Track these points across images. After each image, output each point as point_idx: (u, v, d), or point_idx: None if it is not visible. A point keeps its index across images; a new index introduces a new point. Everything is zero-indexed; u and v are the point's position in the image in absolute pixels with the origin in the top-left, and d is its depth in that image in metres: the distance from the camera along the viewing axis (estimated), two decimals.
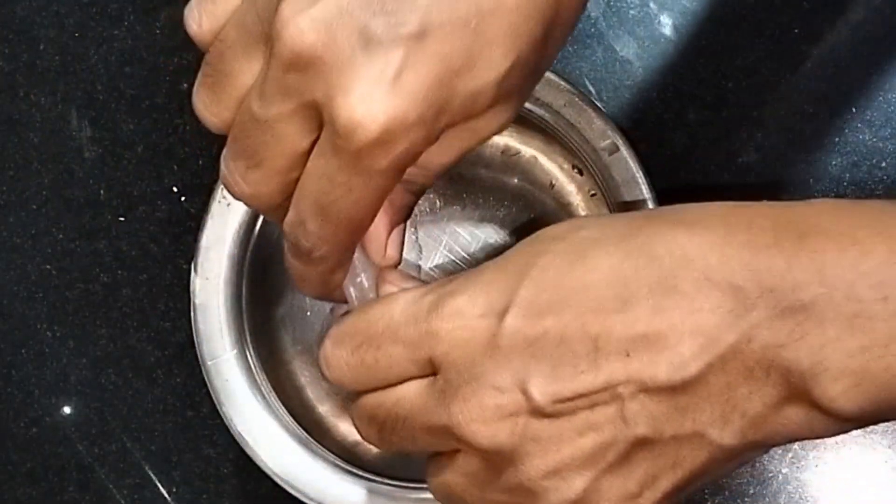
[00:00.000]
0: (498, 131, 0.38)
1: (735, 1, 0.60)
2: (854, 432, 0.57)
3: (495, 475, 0.36)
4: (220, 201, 0.54)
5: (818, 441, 0.57)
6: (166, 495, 0.60)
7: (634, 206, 0.53)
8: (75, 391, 0.61)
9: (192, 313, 0.54)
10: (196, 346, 0.54)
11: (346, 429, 0.57)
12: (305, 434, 0.54)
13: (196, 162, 0.63)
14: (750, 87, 0.60)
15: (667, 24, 0.61)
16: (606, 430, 0.35)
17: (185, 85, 0.63)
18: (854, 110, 0.59)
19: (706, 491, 0.58)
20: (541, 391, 0.34)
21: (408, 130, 0.34)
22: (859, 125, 0.59)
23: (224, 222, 0.54)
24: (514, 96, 0.37)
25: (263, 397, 0.54)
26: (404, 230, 0.42)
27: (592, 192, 0.57)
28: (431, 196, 0.59)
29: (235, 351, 0.54)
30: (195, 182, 0.62)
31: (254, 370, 0.54)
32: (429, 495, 0.51)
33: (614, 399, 0.34)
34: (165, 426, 0.61)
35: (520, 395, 0.35)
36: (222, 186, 0.54)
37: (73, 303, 0.62)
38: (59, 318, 0.62)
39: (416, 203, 0.42)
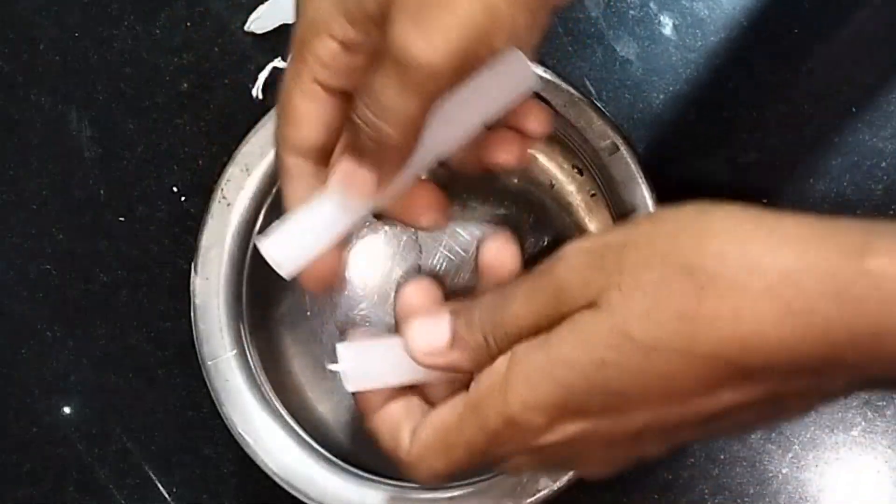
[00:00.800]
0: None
1: (735, 1, 0.60)
2: (854, 432, 0.57)
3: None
4: (219, 201, 0.54)
5: (818, 441, 0.57)
6: (166, 495, 0.60)
7: (634, 206, 0.53)
8: (75, 391, 0.61)
9: (192, 313, 0.54)
10: (196, 346, 0.54)
11: (346, 428, 0.57)
12: (305, 434, 0.54)
13: (196, 162, 0.63)
14: (750, 87, 0.60)
15: (667, 24, 0.61)
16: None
17: (185, 85, 0.63)
18: (854, 110, 0.59)
19: (706, 491, 0.58)
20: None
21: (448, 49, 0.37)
22: (859, 125, 0.59)
23: (224, 222, 0.54)
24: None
25: (263, 397, 0.54)
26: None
27: (592, 192, 0.57)
28: None
29: (235, 351, 0.54)
30: (195, 182, 0.62)
31: (254, 371, 0.54)
32: (428, 495, 0.51)
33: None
34: (165, 426, 0.61)
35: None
36: (222, 187, 0.54)
37: (73, 303, 0.62)
38: (59, 318, 0.62)
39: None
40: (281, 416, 0.54)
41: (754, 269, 0.34)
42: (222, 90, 0.63)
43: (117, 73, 0.64)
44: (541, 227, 0.58)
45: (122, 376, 0.61)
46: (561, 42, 0.61)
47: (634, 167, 0.53)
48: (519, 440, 0.39)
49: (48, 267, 0.63)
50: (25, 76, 0.64)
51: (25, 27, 0.64)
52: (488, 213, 0.58)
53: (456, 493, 0.51)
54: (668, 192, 0.58)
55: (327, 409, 0.58)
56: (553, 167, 0.58)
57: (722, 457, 0.58)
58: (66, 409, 0.62)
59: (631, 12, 0.61)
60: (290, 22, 0.59)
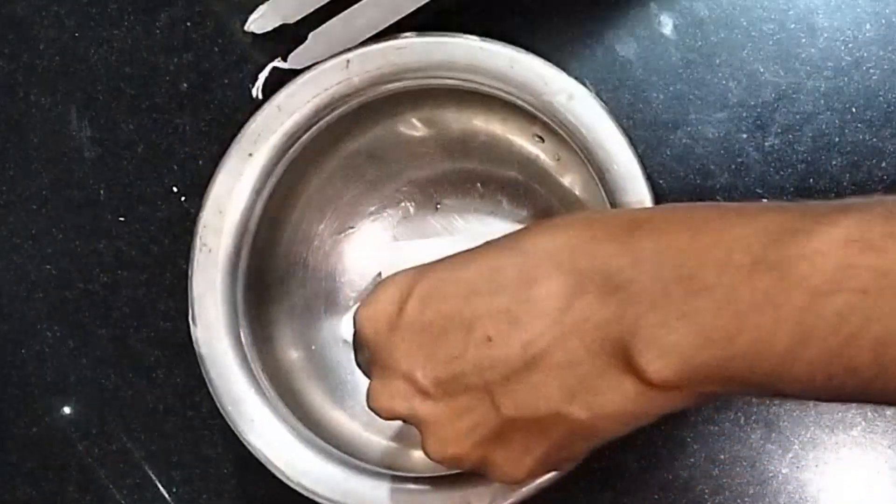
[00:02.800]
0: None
1: (735, 1, 0.60)
2: (854, 432, 0.57)
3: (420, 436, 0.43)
4: (200, 249, 0.54)
5: (818, 441, 0.57)
6: (166, 495, 0.60)
7: (605, 149, 0.52)
8: (75, 391, 0.61)
9: (200, 365, 0.53)
10: (212, 392, 0.53)
11: (346, 428, 0.57)
12: (312, 434, 0.53)
13: (196, 162, 0.63)
14: (749, 87, 0.60)
15: (667, 24, 0.61)
16: (478, 412, 0.40)
17: (185, 85, 0.63)
18: (854, 110, 0.59)
19: (706, 491, 0.58)
20: (423, 374, 0.41)
21: None
22: (859, 125, 0.59)
23: (210, 268, 0.54)
24: None
25: (266, 398, 0.54)
26: None
27: (557, 156, 0.57)
28: (431, 197, 0.60)
29: (252, 390, 0.53)
30: (195, 182, 0.62)
31: (255, 372, 0.54)
32: (429, 487, 0.51)
33: (483, 383, 0.40)
34: (165, 426, 0.61)
35: (409, 380, 0.41)
36: (200, 234, 0.54)
37: (73, 303, 0.62)
38: (59, 318, 0.62)
39: None
40: (286, 416, 0.54)
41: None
42: (222, 90, 0.63)
43: (117, 73, 0.64)
44: (517, 204, 0.58)
45: (122, 376, 0.61)
46: (561, 42, 0.61)
47: (594, 107, 0.53)
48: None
49: (48, 267, 0.63)
50: (25, 76, 0.64)
51: (25, 27, 0.64)
52: (463, 204, 0.59)
53: (447, 483, 0.51)
54: (669, 191, 0.58)
55: (326, 406, 0.58)
56: (515, 140, 0.58)
57: (722, 457, 0.58)
58: (66, 409, 0.61)
59: (631, 12, 0.61)
60: (291, 22, 0.59)
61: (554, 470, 0.45)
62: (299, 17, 0.60)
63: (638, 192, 0.51)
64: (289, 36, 0.61)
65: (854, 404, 0.58)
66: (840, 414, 0.58)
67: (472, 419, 0.41)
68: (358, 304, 0.45)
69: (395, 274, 0.43)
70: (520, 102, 0.54)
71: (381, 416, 0.43)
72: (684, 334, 0.36)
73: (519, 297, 0.39)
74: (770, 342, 0.35)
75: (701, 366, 0.37)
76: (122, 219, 0.63)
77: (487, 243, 0.42)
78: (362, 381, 0.58)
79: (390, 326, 0.41)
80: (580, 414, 0.39)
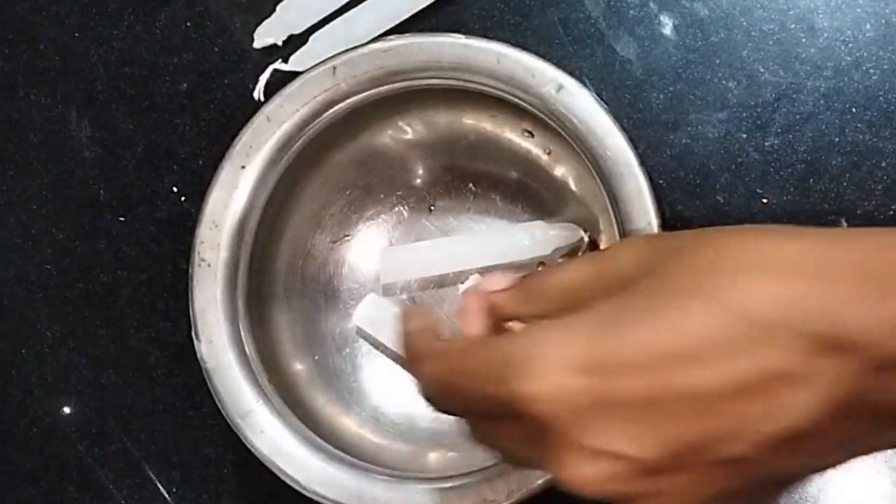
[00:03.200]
0: None
1: (735, 1, 0.60)
2: None
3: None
4: (199, 265, 0.54)
5: None
6: (166, 495, 0.60)
7: (598, 138, 0.52)
8: (75, 391, 0.61)
9: (206, 378, 0.54)
10: (220, 407, 0.53)
11: (355, 434, 0.57)
12: (323, 442, 0.54)
13: (196, 162, 0.63)
14: (749, 87, 0.60)
15: (667, 25, 0.61)
16: (721, 481, 0.35)
17: (185, 85, 0.63)
18: (854, 110, 0.59)
19: None
20: (647, 451, 0.35)
21: None
22: (859, 125, 0.59)
23: (210, 283, 0.54)
24: None
25: (274, 408, 0.54)
26: None
27: (548, 150, 0.57)
28: (429, 196, 0.60)
29: (260, 401, 0.54)
30: (195, 182, 0.62)
31: (261, 383, 0.54)
32: (424, 486, 0.51)
33: (729, 454, 0.34)
34: (165, 426, 0.61)
35: (622, 460, 0.35)
36: (198, 250, 0.54)
37: (73, 303, 0.62)
38: (59, 318, 0.62)
39: None
40: (293, 424, 0.54)
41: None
42: (222, 90, 0.63)
43: (117, 73, 0.64)
44: (511, 200, 0.58)
45: (122, 376, 0.61)
46: (561, 42, 0.61)
47: (584, 97, 0.53)
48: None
49: (48, 267, 0.63)
50: (25, 76, 0.64)
51: (25, 27, 0.64)
52: (456, 204, 0.59)
53: (453, 483, 0.51)
54: (669, 191, 0.58)
55: (326, 407, 0.58)
56: (505, 136, 0.58)
57: None
58: (66, 409, 0.61)
59: (631, 12, 0.61)
60: (297, 32, 0.59)
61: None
62: (305, 28, 0.60)
63: (634, 178, 0.51)
64: (293, 42, 0.62)
65: None
66: None
67: (715, 487, 0.35)
68: (515, 385, 0.37)
69: (549, 336, 0.36)
70: (509, 97, 0.54)
71: (583, 493, 0.36)
72: None
73: (758, 366, 0.34)
74: None
75: None
76: (122, 219, 0.63)
77: (674, 288, 0.35)
78: (367, 388, 0.58)
79: (579, 404, 0.35)
80: (823, 465, 0.36)
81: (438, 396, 0.40)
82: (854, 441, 0.35)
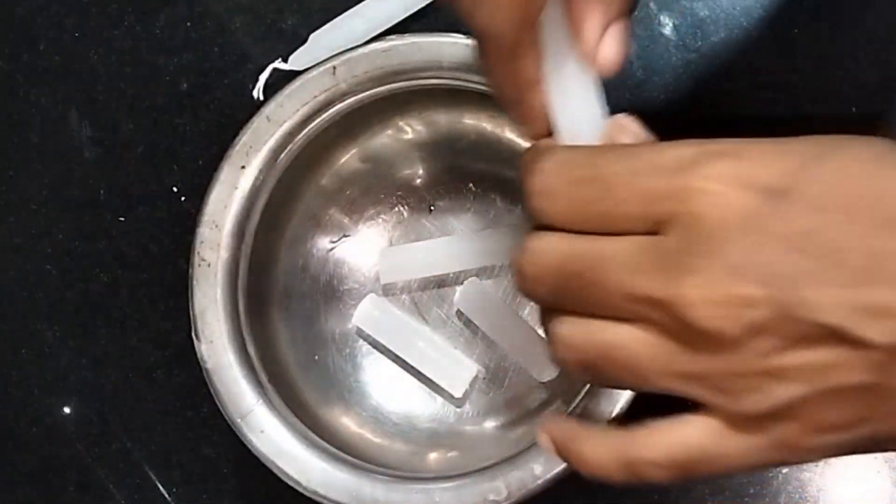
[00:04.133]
0: None
1: (735, 1, 0.60)
2: None
3: (687, 357, 0.32)
4: (199, 265, 0.54)
5: None
6: (166, 495, 0.60)
7: None
8: (75, 391, 0.61)
9: (206, 378, 0.54)
10: (220, 407, 0.53)
11: (355, 435, 0.57)
12: (324, 442, 0.53)
13: (196, 162, 0.63)
14: (749, 87, 0.60)
15: (667, 25, 0.61)
16: (841, 359, 0.30)
17: (185, 85, 0.63)
18: (854, 110, 0.59)
19: (706, 491, 0.58)
20: (789, 293, 0.30)
21: None
22: (859, 125, 0.59)
23: (210, 283, 0.54)
24: None
25: (274, 408, 0.54)
26: (628, 31, 0.36)
27: None
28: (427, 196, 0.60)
29: (260, 400, 0.54)
30: (195, 182, 0.62)
31: (262, 383, 0.54)
32: (422, 486, 0.51)
33: (865, 335, 0.30)
34: (165, 426, 0.61)
35: (764, 290, 0.30)
36: (198, 250, 0.54)
37: (73, 303, 0.62)
38: (59, 318, 0.62)
39: None
40: (293, 423, 0.54)
41: None
42: (222, 90, 0.63)
43: (117, 73, 0.64)
44: (511, 200, 0.59)
45: (122, 376, 0.61)
46: None
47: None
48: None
49: (48, 267, 0.63)
50: (25, 76, 0.64)
51: (25, 27, 0.64)
52: (457, 204, 0.59)
53: (453, 483, 0.51)
54: None
55: (327, 410, 0.58)
56: (504, 136, 0.58)
57: None
58: (66, 409, 0.61)
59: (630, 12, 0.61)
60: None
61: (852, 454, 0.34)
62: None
63: None
64: (289, 36, 0.62)
65: None
66: None
67: (830, 358, 0.30)
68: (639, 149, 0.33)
69: (737, 146, 0.31)
70: None
71: (698, 325, 0.31)
72: None
73: None
74: None
75: None
76: (122, 219, 0.63)
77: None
78: (367, 388, 0.59)
79: (748, 218, 0.30)
80: None
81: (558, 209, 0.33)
82: None
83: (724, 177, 0.31)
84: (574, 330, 0.34)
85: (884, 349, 0.30)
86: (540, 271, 0.34)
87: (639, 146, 0.34)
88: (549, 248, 0.34)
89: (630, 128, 0.37)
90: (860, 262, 0.30)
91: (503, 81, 0.36)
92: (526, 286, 0.35)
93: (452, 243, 0.58)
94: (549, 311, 0.35)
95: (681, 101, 0.60)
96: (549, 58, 0.35)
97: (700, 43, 0.60)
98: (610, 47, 0.35)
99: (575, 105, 0.35)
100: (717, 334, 0.31)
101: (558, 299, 0.34)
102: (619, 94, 0.60)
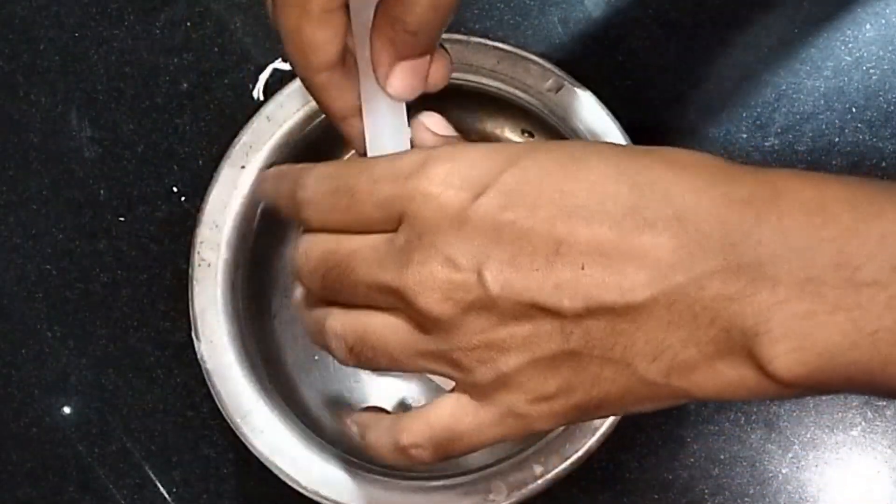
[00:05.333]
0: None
1: (735, 1, 0.60)
2: (854, 432, 0.57)
3: (424, 338, 0.37)
4: (199, 264, 0.54)
5: (818, 441, 0.57)
6: (166, 495, 0.60)
7: (595, 134, 0.53)
8: (75, 391, 0.61)
9: (206, 379, 0.54)
10: (220, 408, 0.53)
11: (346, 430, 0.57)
12: (324, 442, 0.53)
13: (196, 162, 0.63)
14: (750, 87, 0.60)
15: (666, 24, 0.61)
16: (543, 330, 0.36)
17: (185, 85, 0.63)
18: (854, 110, 0.59)
19: (706, 491, 0.58)
20: (494, 276, 0.35)
21: None
22: (859, 125, 0.59)
23: (210, 283, 0.54)
24: None
25: (274, 408, 0.54)
26: (424, 66, 0.42)
27: None
28: None
29: (261, 401, 0.53)
30: (195, 182, 0.62)
31: (262, 383, 0.54)
32: (429, 486, 0.51)
33: (558, 306, 0.35)
34: (165, 426, 0.61)
35: (473, 275, 0.36)
36: (198, 250, 0.54)
37: (73, 303, 0.62)
38: (59, 318, 0.62)
39: (422, 44, 0.41)
40: (294, 422, 0.54)
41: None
42: (222, 90, 0.63)
43: (117, 73, 0.64)
44: None
45: (122, 376, 0.61)
46: (561, 42, 0.61)
47: (584, 97, 0.53)
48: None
49: (48, 267, 0.63)
50: (25, 76, 0.64)
51: (25, 27, 0.64)
52: None
53: (453, 483, 0.51)
54: None
55: (327, 412, 0.58)
56: (504, 136, 0.58)
57: (722, 457, 0.58)
58: (66, 409, 0.62)
59: (631, 12, 0.61)
60: None
61: (572, 423, 0.41)
62: None
63: None
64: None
65: (854, 404, 0.58)
66: (840, 414, 0.58)
67: (533, 332, 0.36)
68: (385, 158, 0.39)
69: (461, 149, 0.37)
70: (509, 97, 0.54)
71: (422, 309, 0.36)
72: (835, 331, 0.33)
73: (627, 238, 0.35)
74: None
75: (843, 366, 0.33)
76: (122, 219, 0.63)
77: (594, 151, 0.37)
78: (367, 388, 0.58)
79: (457, 214, 0.36)
80: (655, 377, 0.35)
81: (316, 217, 0.39)
82: (669, 347, 0.35)
83: (441, 179, 0.36)
84: (337, 319, 0.40)
85: (571, 317, 0.35)
86: (307, 265, 0.40)
87: (380, 159, 0.39)
88: (313, 247, 0.40)
89: (429, 123, 0.43)
90: (547, 247, 0.35)
91: (327, 110, 0.43)
92: (301, 279, 0.41)
93: None
94: (321, 303, 0.41)
95: (680, 101, 0.60)
96: (362, 87, 0.42)
97: (700, 42, 0.60)
98: (398, 79, 0.41)
99: (380, 123, 0.42)
100: (440, 316, 0.36)
101: (326, 293, 0.40)
102: (617, 93, 0.60)
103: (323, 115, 0.55)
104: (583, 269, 0.35)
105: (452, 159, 0.37)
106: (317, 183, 0.39)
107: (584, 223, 0.35)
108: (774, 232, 0.34)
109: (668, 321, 0.35)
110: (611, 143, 0.38)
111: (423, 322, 0.37)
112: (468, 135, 0.59)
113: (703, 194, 0.35)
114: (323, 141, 0.57)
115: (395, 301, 0.37)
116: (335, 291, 0.39)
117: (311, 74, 0.41)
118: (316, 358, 0.58)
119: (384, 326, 0.38)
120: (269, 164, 0.55)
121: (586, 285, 0.35)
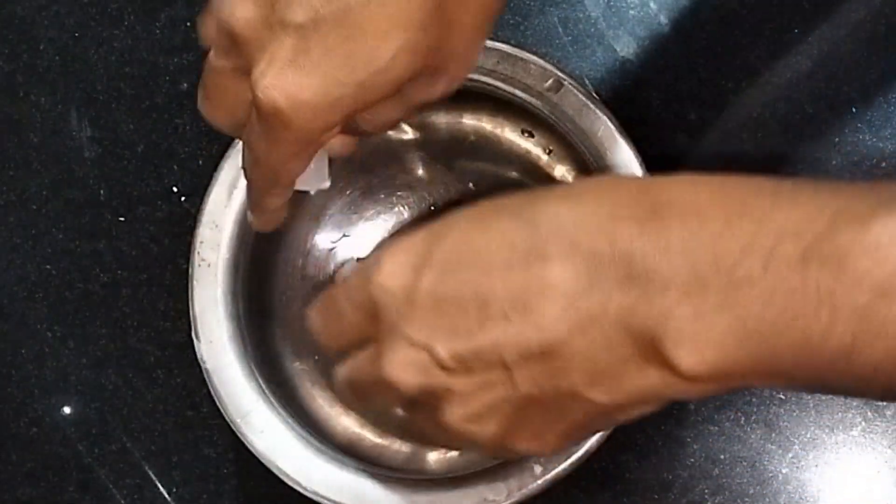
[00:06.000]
0: (421, 104, 0.44)
1: (735, 1, 0.60)
2: (854, 432, 0.57)
3: (429, 413, 0.40)
4: (199, 265, 0.54)
5: (818, 441, 0.57)
6: (166, 495, 0.60)
7: (594, 134, 0.53)
8: (75, 391, 0.61)
9: (206, 379, 0.54)
10: (220, 408, 0.53)
11: (356, 435, 0.57)
12: (323, 442, 0.53)
13: (196, 162, 0.63)
14: (750, 87, 0.60)
15: (666, 25, 0.61)
16: (500, 389, 0.38)
17: (185, 85, 0.63)
18: (854, 110, 0.59)
19: (706, 491, 0.58)
20: (443, 347, 0.38)
21: (302, 113, 0.40)
22: (859, 125, 0.59)
23: (210, 283, 0.54)
24: (424, 77, 0.42)
25: (274, 408, 0.54)
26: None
27: (549, 149, 0.57)
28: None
29: (260, 400, 0.54)
30: (195, 182, 0.62)
31: (262, 383, 0.54)
32: (429, 486, 0.51)
33: (501, 362, 0.37)
34: (165, 426, 0.61)
35: (427, 352, 0.38)
36: (198, 250, 0.54)
37: (73, 303, 0.62)
38: (59, 318, 0.62)
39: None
40: (291, 423, 0.54)
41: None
42: None
43: (117, 73, 0.64)
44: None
45: (122, 376, 0.61)
46: (561, 42, 0.61)
47: (584, 97, 0.53)
48: None
49: (48, 267, 0.63)
50: (25, 76, 0.64)
51: (25, 27, 0.64)
52: (457, 204, 0.59)
53: (453, 483, 0.51)
54: None
55: (326, 410, 0.58)
56: (504, 136, 0.58)
57: (722, 457, 0.58)
58: (66, 409, 0.62)
59: (631, 12, 0.61)
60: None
61: (577, 441, 0.44)
62: None
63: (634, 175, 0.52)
64: None
65: (854, 404, 0.58)
66: (840, 414, 0.58)
67: (493, 395, 0.38)
68: (355, 268, 0.44)
69: (404, 239, 0.40)
70: (509, 97, 0.54)
71: (405, 393, 0.40)
72: (724, 328, 0.35)
73: (532, 276, 0.37)
74: (825, 340, 0.34)
75: (740, 360, 0.35)
76: (122, 219, 0.63)
77: (501, 205, 0.40)
78: None
79: (407, 296, 0.39)
80: (601, 398, 0.37)
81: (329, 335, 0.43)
82: (601, 370, 0.37)
83: (391, 269, 0.39)
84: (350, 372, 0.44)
85: (515, 368, 0.37)
86: (343, 391, 0.44)
87: (352, 273, 0.43)
88: (342, 372, 0.43)
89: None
90: (477, 308, 0.37)
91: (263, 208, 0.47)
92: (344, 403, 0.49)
93: None
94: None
95: (681, 101, 0.60)
96: None
97: (700, 42, 0.60)
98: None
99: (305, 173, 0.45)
100: (419, 397, 0.39)
101: (362, 400, 0.44)
102: (619, 94, 0.60)
103: None
104: (508, 319, 0.37)
105: (397, 249, 0.40)
106: (313, 313, 0.44)
107: (498, 275, 0.37)
108: (657, 240, 0.35)
109: (589, 345, 0.36)
110: (522, 193, 0.40)
111: (417, 403, 0.40)
112: (468, 136, 0.59)
113: (591, 217, 0.37)
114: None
115: (391, 393, 0.40)
116: (372, 404, 0.44)
117: (269, 196, 0.45)
118: (316, 358, 0.58)
119: (408, 412, 0.42)
120: None
121: (514, 335, 0.37)
